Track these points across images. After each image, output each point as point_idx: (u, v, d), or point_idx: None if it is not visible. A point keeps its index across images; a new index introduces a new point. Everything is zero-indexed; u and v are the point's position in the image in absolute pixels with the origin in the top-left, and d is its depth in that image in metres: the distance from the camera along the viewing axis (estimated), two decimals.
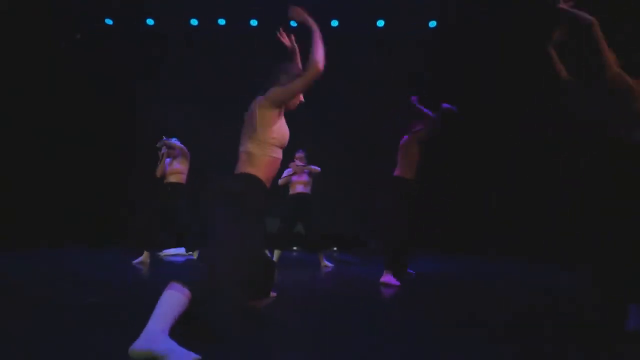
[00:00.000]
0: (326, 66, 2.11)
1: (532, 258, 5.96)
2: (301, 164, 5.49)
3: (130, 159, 7.92)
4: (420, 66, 7.49)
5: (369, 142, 7.60)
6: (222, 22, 7.74)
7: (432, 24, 7.54)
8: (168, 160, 5.40)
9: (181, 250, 6.17)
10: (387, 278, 3.64)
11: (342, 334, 1.98)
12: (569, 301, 3.03)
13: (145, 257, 5.16)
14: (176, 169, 5.36)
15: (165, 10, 7.61)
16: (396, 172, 4.13)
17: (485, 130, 7.29)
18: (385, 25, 7.65)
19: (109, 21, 7.67)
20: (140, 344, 1.55)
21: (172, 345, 1.55)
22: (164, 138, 5.39)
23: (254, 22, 7.69)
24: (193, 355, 1.54)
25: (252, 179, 1.98)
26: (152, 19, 7.71)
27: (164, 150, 5.33)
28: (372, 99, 7.68)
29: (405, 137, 4.28)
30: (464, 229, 7.15)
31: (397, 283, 3.61)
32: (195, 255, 5.40)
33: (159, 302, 1.65)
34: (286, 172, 5.46)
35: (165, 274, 4.52)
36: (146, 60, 7.88)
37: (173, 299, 1.66)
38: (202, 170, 5.77)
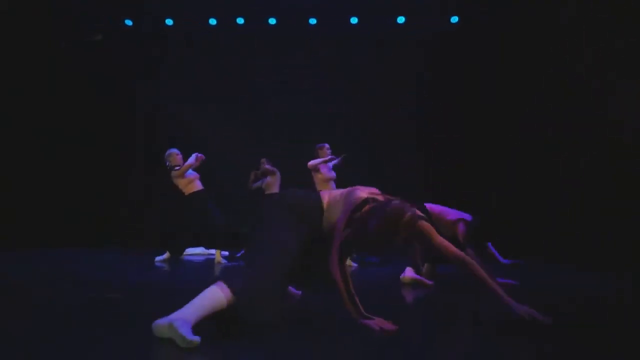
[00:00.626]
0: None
1: (531, 258, 5.96)
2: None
3: (130, 159, 7.93)
4: (420, 66, 7.50)
5: (370, 141, 7.61)
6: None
7: (454, 19, 7.53)
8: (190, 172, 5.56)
9: (200, 250, 6.24)
10: (409, 273, 3.72)
11: (344, 333, 1.98)
12: (569, 301, 3.03)
13: (168, 255, 5.40)
14: (196, 175, 5.60)
15: (166, 10, 7.62)
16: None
17: (486, 130, 7.29)
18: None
19: (128, 22, 7.68)
20: (163, 320, 1.66)
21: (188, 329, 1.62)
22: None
23: (272, 21, 7.70)
24: (194, 338, 1.59)
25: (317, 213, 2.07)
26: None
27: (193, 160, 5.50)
28: (372, 99, 7.69)
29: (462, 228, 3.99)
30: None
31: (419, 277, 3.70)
32: (217, 255, 5.51)
33: (200, 294, 1.71)
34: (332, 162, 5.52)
35: (169, 274, 4.52)
36: (146, 60, 7.89)
37: (214, 296, 1.71)
38: (202, 170, 5.78)
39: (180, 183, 5.48)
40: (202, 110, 7.63)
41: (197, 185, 5.55)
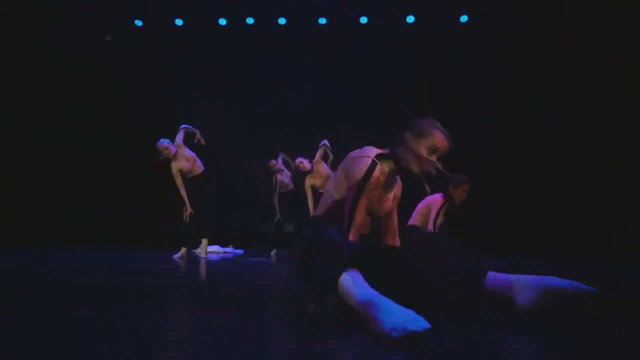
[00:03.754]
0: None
1: (532, 257, 5.96)
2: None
3: (130, 159, 7.94)
4: (427, 66, 7.50)
5: (376, 140, 7.63)
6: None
7: (464, 18, 7.52)
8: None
9: (216, 248, 6.15)
10: None
11: (342, 331, 1.98)
12: (569, 300, 3.02)
13: (183, 252, 5.22)
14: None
15: (166, 10, 7.63)
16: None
17: (485, 129, 7.30)
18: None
19: (138, 22, 7.69)
20: None
21: None
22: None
23: (282, 21, 7.75)
24: None
25: None
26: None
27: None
28: (374, 98, 7.69)
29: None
30: (467, 228, 7.16)
31: None
32: (203, 247, 5.43)
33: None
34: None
35: (171, 274, 4.51)
36: (147, 60, 7.90)
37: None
38: (212, 167, 5.79)
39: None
40: (202, 110, 7.64)
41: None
